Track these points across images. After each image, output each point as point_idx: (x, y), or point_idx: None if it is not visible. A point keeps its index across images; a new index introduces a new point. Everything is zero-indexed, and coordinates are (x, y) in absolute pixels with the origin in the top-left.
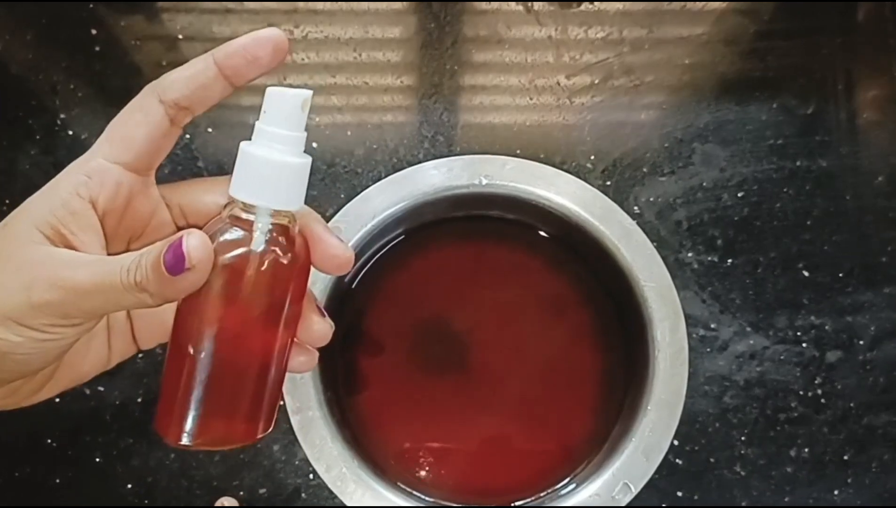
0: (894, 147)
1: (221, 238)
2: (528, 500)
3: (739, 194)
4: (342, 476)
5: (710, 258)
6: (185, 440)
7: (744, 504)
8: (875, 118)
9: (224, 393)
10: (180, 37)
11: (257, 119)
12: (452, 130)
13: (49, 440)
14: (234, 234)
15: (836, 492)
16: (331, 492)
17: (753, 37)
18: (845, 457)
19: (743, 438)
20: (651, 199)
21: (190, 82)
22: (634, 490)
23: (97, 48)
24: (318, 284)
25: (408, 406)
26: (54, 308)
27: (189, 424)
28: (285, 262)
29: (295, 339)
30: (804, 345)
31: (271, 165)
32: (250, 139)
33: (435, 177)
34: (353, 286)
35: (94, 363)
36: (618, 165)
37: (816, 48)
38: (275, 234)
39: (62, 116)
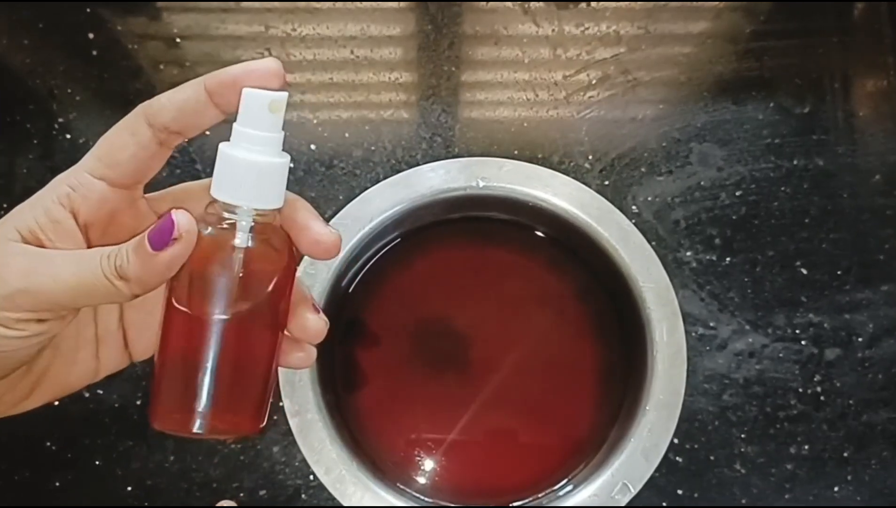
0: (891, 145)
1: (205, 234)
2: (527, 501)
3: (737, 193)
4: (341, 477)
5: (708, 257)
6: (159, 427)
7: (744, 501)
8: (871, 117)
9: (209, 386)
10: (178, 40)
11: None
12: (450, 131)
13: (48, 443)
14: (217, 232)
15: (835, 489)
16: (331, 494)
17: (750, 36)
18: (845, 454)
19: (743, 436)
20: (649, 198)
21: (180, 109)
22: (633, 491)
23: (95, 52)
24: (317, 286)
25: (406, 408)
26: (28, 298)
27: (179, 413)
28: (269, 259)
29: (287, 334)
30: (803, 343)
31: (249, 165)
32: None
33: (432, 179)
34: (351, 289)
35: (81, 375)
36: (615, 164)
37: (812, 47)
38: (257, 232)
39: (60, 119)
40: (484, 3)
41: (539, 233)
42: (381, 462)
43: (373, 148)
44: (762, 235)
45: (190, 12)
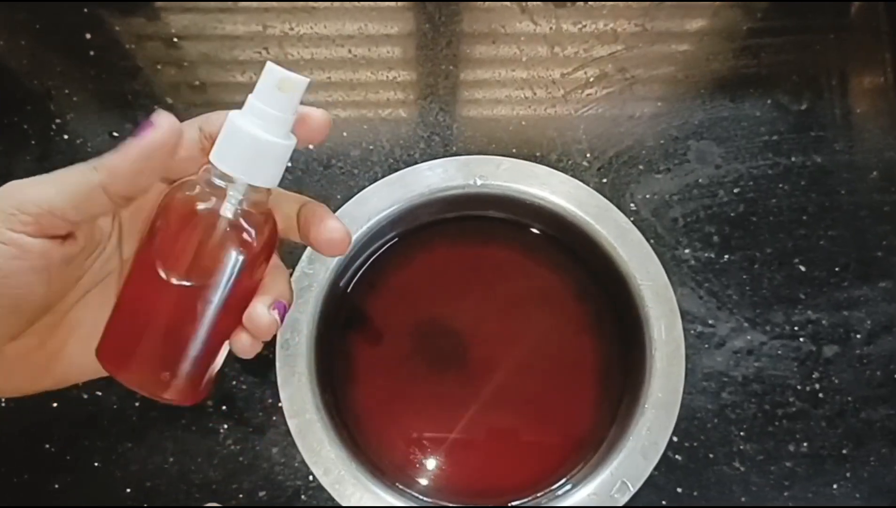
0: (888, 142)
1: (193, 193)
2: (526, 500)
3: (735, 191)
4: (340, 478)
5: (706, 255)
6: (100, 359)
7: (743, 499)
8: (869, 114)
9: (149, 343)
10: (175, 40)
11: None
12: (448, 129)
13: (47, 445)
14: (206, 195)
15: (834, 486)
16: (330, 495)
17: (747, 33)
18: (843, 451)
19: (742, 434)
20: (647, 196)
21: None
22: (633, 489)
23: (92, 52)
24: (315, 285)
25: (405, 408)
26: (35, 207)
27: (118, 357)
28: (247, 238)
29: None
30: (801, 340)
31: (253, 140)
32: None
33: (430, 178)
34: (350, 289)
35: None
36: (614, 162)
37: (810, 44)
38: (245, 208)
39: (57, 120)
40: (482, 1)
41: (537, 232)
42: (380, 463)
43: (371, 147)
44: (760, 232)
45: (188, 12)
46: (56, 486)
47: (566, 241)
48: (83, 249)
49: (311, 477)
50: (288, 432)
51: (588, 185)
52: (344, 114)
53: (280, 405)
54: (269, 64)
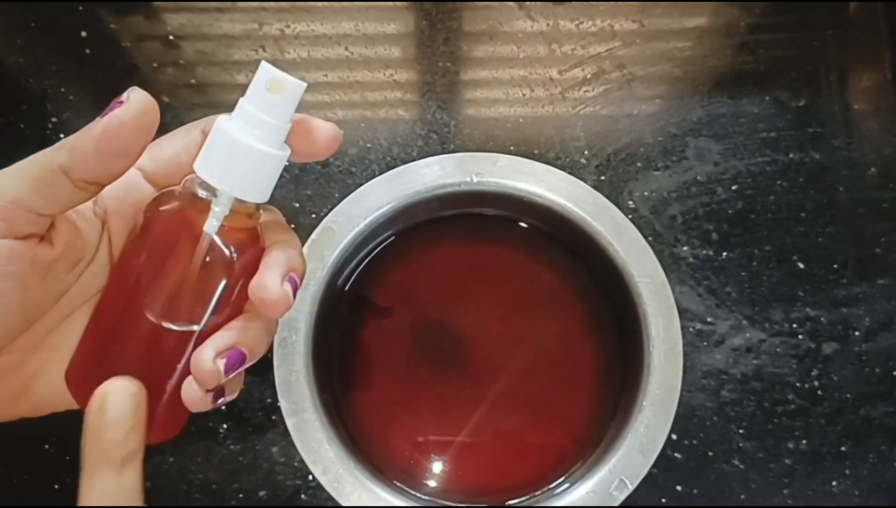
0: (886, 139)
1: (173, 206)
2: (525, 498)
3: (733, 188)
4: (339, 477)
5: (705, 252)
6: (66, 380)
7: (743, 497)
8: (867, 110)
9: (105, 358)
10: (172, 37)
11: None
12: (445, 127)
13: (47, 446)
14: (188, 209)
15: (833, 484)
16: (330, 494)
17: (745, 30)
18: (843, 449)
19: (741, 431)
20: (645, 193)
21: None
22: (631, 487)
23: (88, 51)
24: (311, 285)
25: (403, 406)
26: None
27: (87, 388)
28: (229, 259)
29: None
30: (800, 337)
31: (243, 149)
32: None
33: (427, 175)
34: (347, 287)
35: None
36: (612, 160)
37: (808, 41)
38: (229, 225)
39: (53, 119)
40: (480, 1)
41: (535, 229)
42: (379, 461)
43: (368, 145)
44: (759, 229)
45: (184, 11)
46: (56, 487)
47: (564, 238)
48: (62, 257)
49: (310, 477)
50: (287, 431)
51: (586, 182)
52: (342, 112)
53: (279, 404)
54: (262, 63)
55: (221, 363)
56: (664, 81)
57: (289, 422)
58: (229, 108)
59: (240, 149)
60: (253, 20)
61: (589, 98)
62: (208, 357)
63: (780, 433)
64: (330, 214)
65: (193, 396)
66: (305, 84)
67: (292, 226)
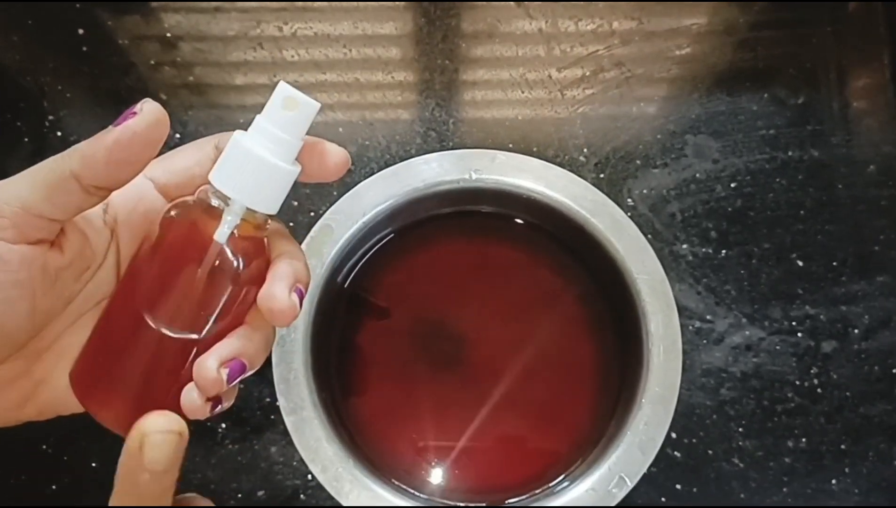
0: (885, 136)
1: (184, 214)
2: (524, 497)
3: (732, 186)
4: (338, 475)
5: (704, 250)
6: (71, 384)
7: (742, 496)
8: (866, 107)
9: (126, 380)
10: (169, 35)
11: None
12: (444, 125)
13: (44, 446)
14: (200, 218)
15: (833, 482)
16: (329, 494)
17: (744, 27)
18: (842, 447)
19: (741, 430)
20: (644, 191)
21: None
22: (630, 484)
23: (85, 48)
24: (311, 282)
25: (402, 404)
26: (9, 208)
27: (91, 390)
28: (237, 268)
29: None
30: (799, 335)
31: (258, 162)
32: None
33: (425, 172)
34: (346, 285)
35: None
36: (610, 157)
37: (807, 38)
38: (239, 234)
39: (50, 117)
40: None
41: (533, 226)
42: (378, 459)
43: (367, 143)
44: (758, 227)
45: (182, 10)
46: (53, 487)
47: (563, 236)
48: (71, 264)
49: (309, 477)
50: (286, 431)
51: (585, 180)
52: (340, 111)
53: (278, 403)
54: (280, 83)
55: (224, 372)
56: (663, 79)
57: (287, 421)
58: (227, 108)
59: (253, 161)
60: (250, 19)
61: (588, 96)
62: (212, 367)
63: (779, 431)
64: (328, 211)
65: (193, 404)
66: (319, 104)
67: (290, 224)
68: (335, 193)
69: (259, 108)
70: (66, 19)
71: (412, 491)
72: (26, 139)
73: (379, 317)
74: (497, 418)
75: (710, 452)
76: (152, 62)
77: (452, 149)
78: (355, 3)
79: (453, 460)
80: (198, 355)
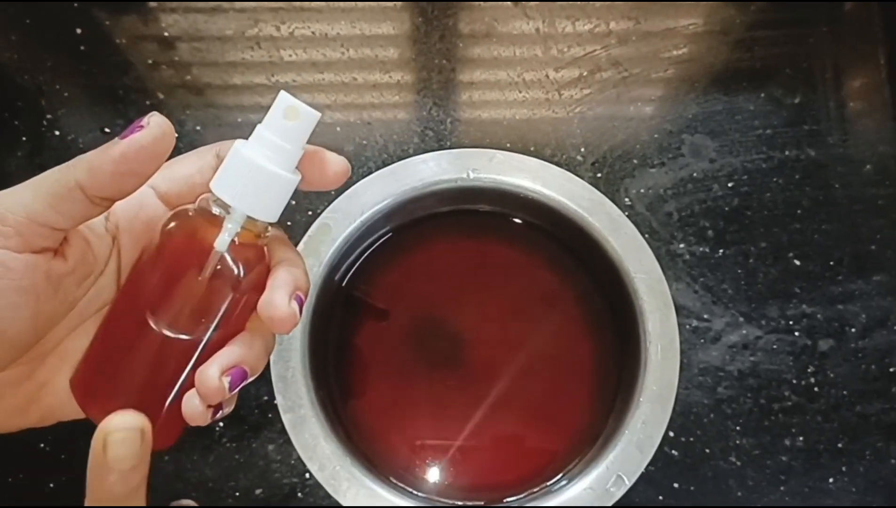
0: (882, 135)
1: (185, 222)
2: (522, 495)
3: (729, 185)
4: (335, 473)
5: (701, 249)
6: (72, 388)
7: (739, 494)
8: (862, 107)
9: (127, 384)
10: (167, 34)
11: (259, 121)
12: (442, 125)
13: (42, 445)
14: (201, 225)
15: (830, 480)
16: (326, 492)
17: (740, 28)
18: (839, 445)
19: (738, 428)
20: (642, 190)
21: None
22: (628, 483)
23: (82, 47)
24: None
25: (400, 403)
26: (13, 216)
27: (91, 394)
28: (237, 275)
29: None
30: (796, 334)
31: (258, 171)
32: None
33: (423, 171)
34: (344, 283)
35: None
36: (608, 157)
37: (803, 38)
38: (240, 242)
39: (48, 116)
40: (476, 0)
41: (531, 225)
42: (375, 457)
43: (364, 142)
44: (755, 226)
45: (180, 9)
46: (51, 486)
47: (560, 235)
48: (73, 271)
49: (307, 475)
50: (284, 429)
51: (582, 179)
52: (338, 111)
53: (275, 402)
54: (281, 92)
55: (226, 380)
56: (660, 79)
57: (285, 419)
58: (224, 107)
59: (254, 170)
60: (248, 19)
61: (585, 96)
62: (214, 375)
63: (776, 429)
64: (326, 210)
65: (194, 411)
66: (320, 114)
67: (288, 223)
68: (333, 192)
69: (257, 107)
70: (64, 19)
71: (410, 490)
72: (24, 138)
73: (377, 316)
74: (495, 416)
75: (707, 450)
76: (150, 62)
77: (450, 148)
78: (353, 3)
79: (451, 458)
80: (198, 361)
